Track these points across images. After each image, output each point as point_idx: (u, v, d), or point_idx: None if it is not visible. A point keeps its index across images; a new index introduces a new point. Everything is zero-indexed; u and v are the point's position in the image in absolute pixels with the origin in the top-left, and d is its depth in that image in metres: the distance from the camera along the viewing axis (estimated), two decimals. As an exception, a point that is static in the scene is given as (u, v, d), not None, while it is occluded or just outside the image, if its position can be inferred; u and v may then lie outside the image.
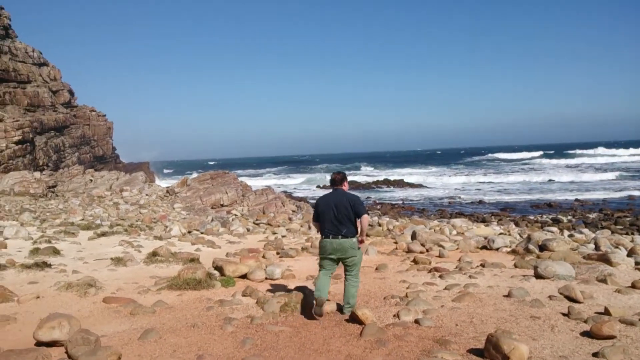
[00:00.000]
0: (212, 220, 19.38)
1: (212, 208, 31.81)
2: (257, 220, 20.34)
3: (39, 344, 5.48)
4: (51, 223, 17.96)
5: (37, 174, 38.15)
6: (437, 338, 5.48)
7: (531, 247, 10.96)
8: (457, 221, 18.15)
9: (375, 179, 67.55)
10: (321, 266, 6.61)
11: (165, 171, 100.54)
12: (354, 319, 6.07)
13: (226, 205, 32.78)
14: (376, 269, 9.58)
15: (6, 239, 13.44)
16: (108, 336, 5.84)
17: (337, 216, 6.28)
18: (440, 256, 10.88)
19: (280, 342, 5.57)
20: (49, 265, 9.92)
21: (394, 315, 6.33)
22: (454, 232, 14.74)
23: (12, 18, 61.48)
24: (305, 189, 64.09)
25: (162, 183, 56.02)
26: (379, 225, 16.79)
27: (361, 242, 6.54)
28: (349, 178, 7.41)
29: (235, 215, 24.75)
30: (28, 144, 49.23)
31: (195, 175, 43.53)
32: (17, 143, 46.63)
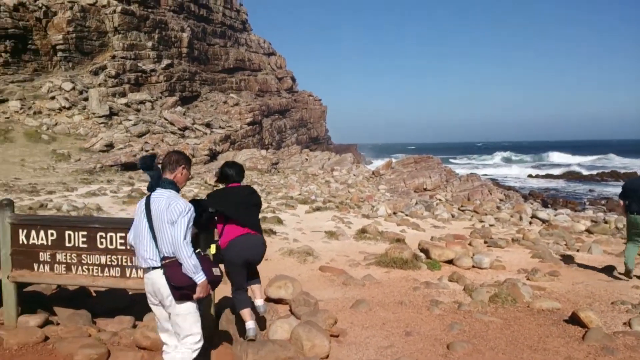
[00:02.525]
0: (416, 203, 19.54)
1: (415, 191, 32.02)
2: (462, 206, 19.83)
3: (267, 299, 6.25)
4: (274, 196, 20.22)
5: (263, 152, 43.20)
6: (682, 358, 4.68)
7: None
8: None
9: (599, 170, 59.76)
10: (629, 239, 8.01)
11: (362, 153, 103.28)
12: (575, 320, 5.54)
13: (429, 190, 32.65)
14: (601, 270, 8.55)
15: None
16: (324, 301, 6.37)
17: None
18: (686, 264, 9.17)
19: (490, 333, 5.39)
20: (274, 233, 11.23)
21: (625, 324, 5.60)
22: None
23: (249, 13, 70.14)
24: (513, 178, 60.01)
25: (363, 165, 58.22)
26: (605, 222, 14.87)
27: None
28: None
29: (440, 200, 24.50)
30: (257, 125, 55.93)
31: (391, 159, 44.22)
32: (248, 124, 53.32)
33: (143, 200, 3.64)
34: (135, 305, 5.72)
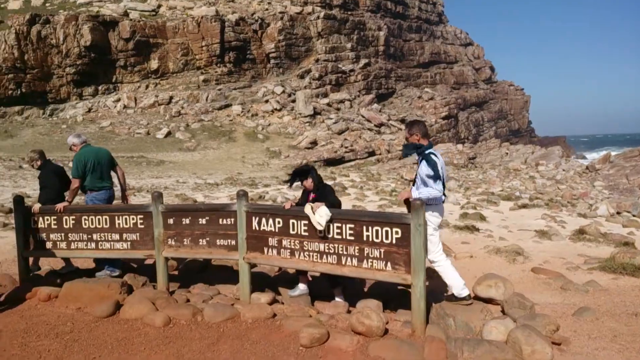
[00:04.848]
0: (646, 202, 16.82)
1: (640, 189, 27.75)
2: None
3: (476, 298, 6.00)
4: (474, 191, 19.45)
5: (459, 146, 41.99)
6: None
7: None
8: None
9: None
10: None
11: (571, 146, 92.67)
12: None
13: (661, 187, 27.95)
14: None
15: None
16: (540, 305, 5.89)
17: None
18: None
19: None
20: (477, 230, 10.78)
21: None
22: None
23: (445, 4, 68.77)
24: None
25: (573, 159, 52.21)
26: None
27: None
28: None
29: (677, 199, 20.71)
30: (452, 119, 54.54)
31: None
32: (443, 118, 52.34)
33: (439, 156, 5.22)
34: (346, 292, 6.04)
